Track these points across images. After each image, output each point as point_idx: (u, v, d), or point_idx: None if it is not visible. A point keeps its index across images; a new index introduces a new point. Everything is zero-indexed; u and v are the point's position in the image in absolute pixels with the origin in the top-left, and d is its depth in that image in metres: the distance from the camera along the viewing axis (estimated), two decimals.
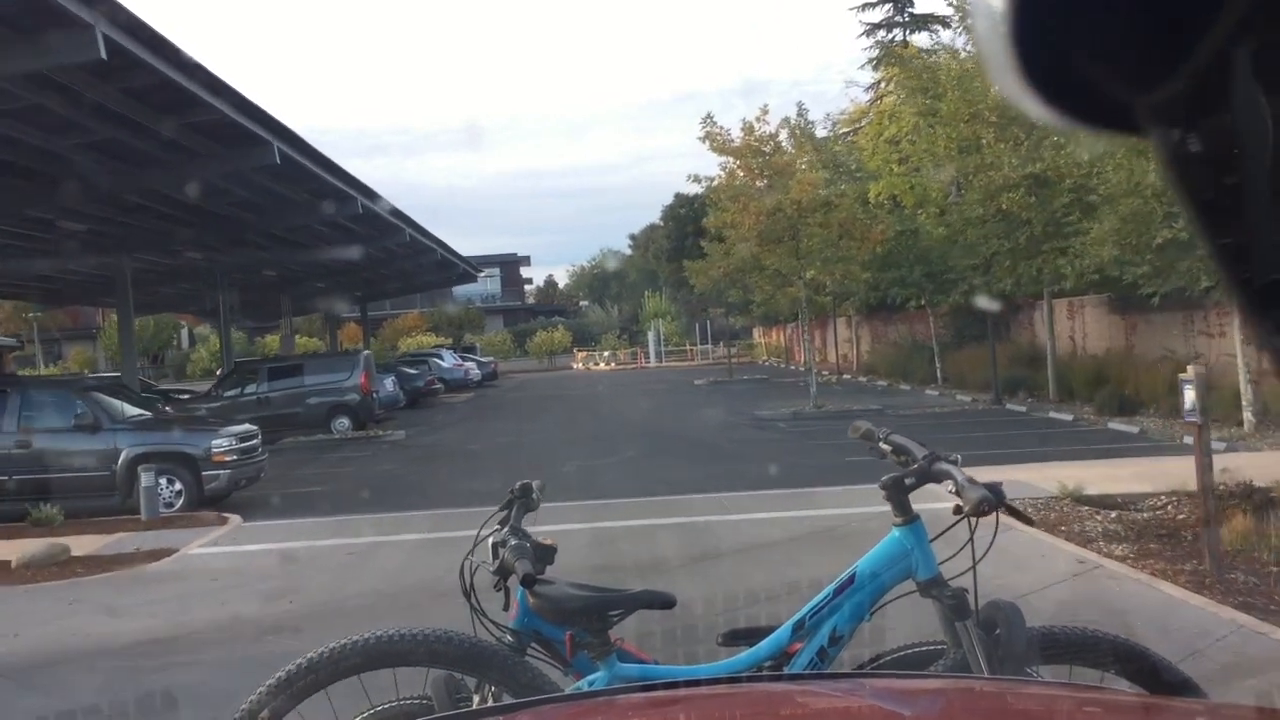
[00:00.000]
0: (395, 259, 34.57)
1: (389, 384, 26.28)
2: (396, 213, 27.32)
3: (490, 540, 2.91)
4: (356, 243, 29.53)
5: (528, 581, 2.68)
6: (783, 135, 21.26)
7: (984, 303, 22.80)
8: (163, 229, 22.74)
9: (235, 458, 12.57)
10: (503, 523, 2.98)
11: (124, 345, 23.68)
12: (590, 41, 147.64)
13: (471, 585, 2.87)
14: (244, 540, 10.27)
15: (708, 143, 21.14)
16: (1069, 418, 18.09)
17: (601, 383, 39.87)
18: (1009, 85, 0.61)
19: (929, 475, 2.84)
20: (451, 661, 2.75)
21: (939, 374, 27.58)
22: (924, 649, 2.97)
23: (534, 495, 3.11)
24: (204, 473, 12.31)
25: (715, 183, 21.60)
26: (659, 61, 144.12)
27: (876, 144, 29.04)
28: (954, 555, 2.74)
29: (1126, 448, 14.11)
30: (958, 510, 2.68)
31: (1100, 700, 1.78)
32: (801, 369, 43.16)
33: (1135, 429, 15.90)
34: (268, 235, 25.41)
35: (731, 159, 21.28)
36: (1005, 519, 2.75)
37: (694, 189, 49.47)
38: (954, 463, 2.84)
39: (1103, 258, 15.35)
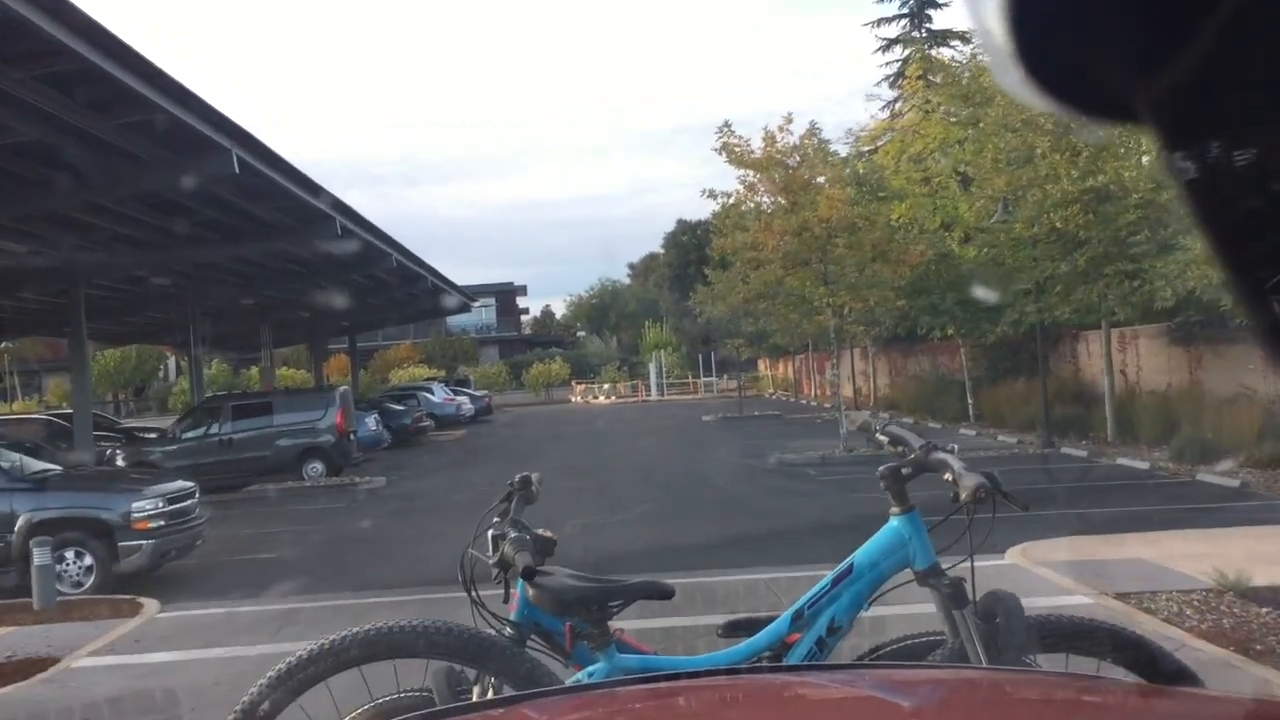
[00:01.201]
0: (383, 287, 32.41)
1: (371, 422, 23.93)
2: (382, 236, 25.13)
3: (490, 533, 2.91)
4: (339, 268, 27.36)
5: (528, 574, 2.68)
6: (809, 147, 19.02)
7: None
8: (119, 252, 20.50)
9: (162, 524, 10.22)
10: (502, 515, 2.97)
11: (75, 379, 21.37)
12: (588, 75, 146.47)
13: (471, 578, 2.85)
14: (151, 644, 7.90)
15: (724, 154, 18.97)
16: (1143, 465, 15.77)
17: (602, 418, 37.50)
18: (1008, 72, 0.58)
19: (926, 465, 2.86)
20: (452, 653, 2.72)
21: (971, 411, 25.32)
22: (922, 639, 2.91)
23: (533, 488, 3.13)
24: (121, 544, 9.95)
25: (732, 199, 19.40)
26: (658, 95, 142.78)
27: (899, 162, 27.06)
28: (953, 543, 2.76)
29: (1237, 508, 11.80)
30: (955, 499, 2.70)
31: (1098, 689, 1.79)
32: (814, 403, 40.90)
33: (1234, 482, 13.57)
34: (239, 259, 23.19)
35: (751, 172, 19.09)
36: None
37: (698, 215, 47.62)
38: (950, 451, 2.89)
39: (1210, 279, 13.10)
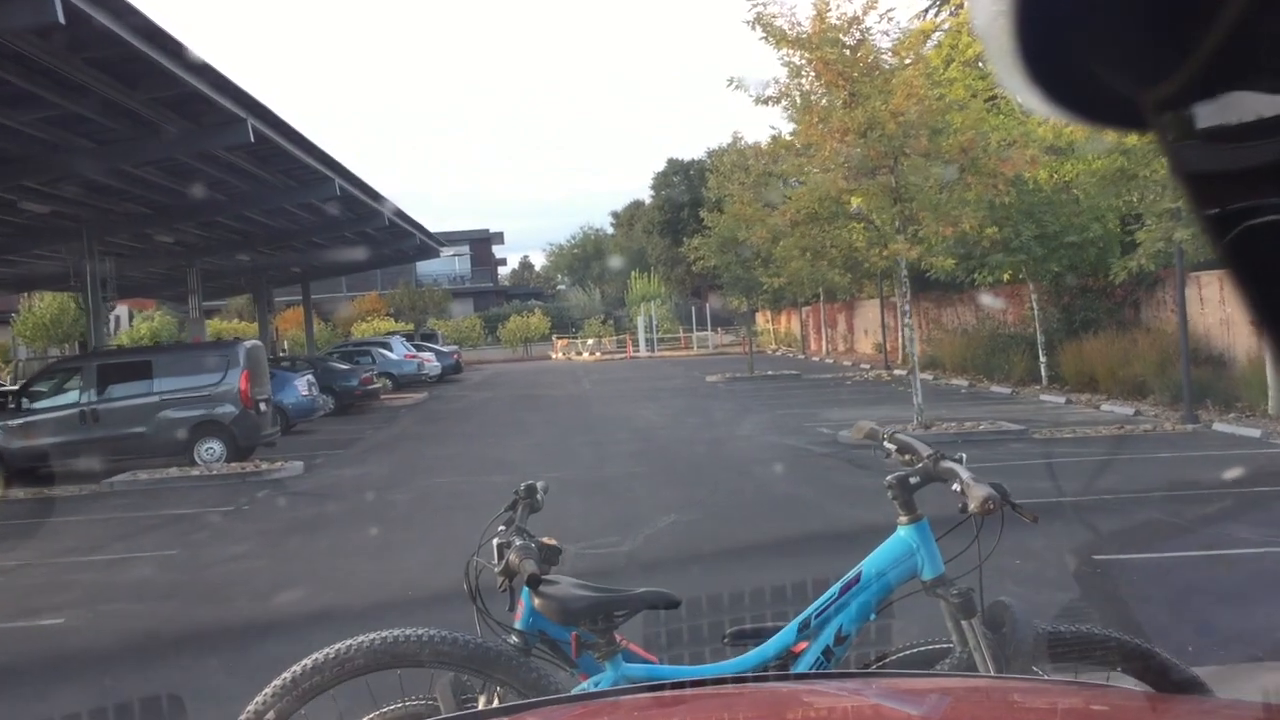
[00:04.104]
0: (332, 224, 27.35)
1: (302, 385, 19.02)
2: (319, 154, 20.00)
3: (495, 542, 2.81)
4: (267, 196, 22.26)
5: (533, 582, 2.63)
6: (871, 19, 14.08)
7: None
8: None
9: None
10: (507, 524, 2.89)
11: None
12: (574, 17, 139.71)
13: (476, 587, 2.80)
14: None
15: (759, 29, 14.04)
16: None
17: (589, 378, 32.62)
18: (1011, 79, 0.57)
19: (934, 474, 2.81)
20: (457, 662, 2.69)
21: (1044, 372, 20.69)
22: (930, 648, 2.89)
23: (538, 496, 3.02)
24: None
25: (770, 89, 14.47)
26: (647, 38, 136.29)
27: (946, 69, 22.34)
28: (960, 554, 2.70)
29: None
30: (964, 509, 2.66)
31: (1107, 699, 1.76)
32: (828, 360, 36.21)
33: None
34: (124, 177, 18.09)
35: (797, 54, 14.15)
36: None
37: (690, 154, 42.54)
38: (958, 461, 2.81)
39: None
